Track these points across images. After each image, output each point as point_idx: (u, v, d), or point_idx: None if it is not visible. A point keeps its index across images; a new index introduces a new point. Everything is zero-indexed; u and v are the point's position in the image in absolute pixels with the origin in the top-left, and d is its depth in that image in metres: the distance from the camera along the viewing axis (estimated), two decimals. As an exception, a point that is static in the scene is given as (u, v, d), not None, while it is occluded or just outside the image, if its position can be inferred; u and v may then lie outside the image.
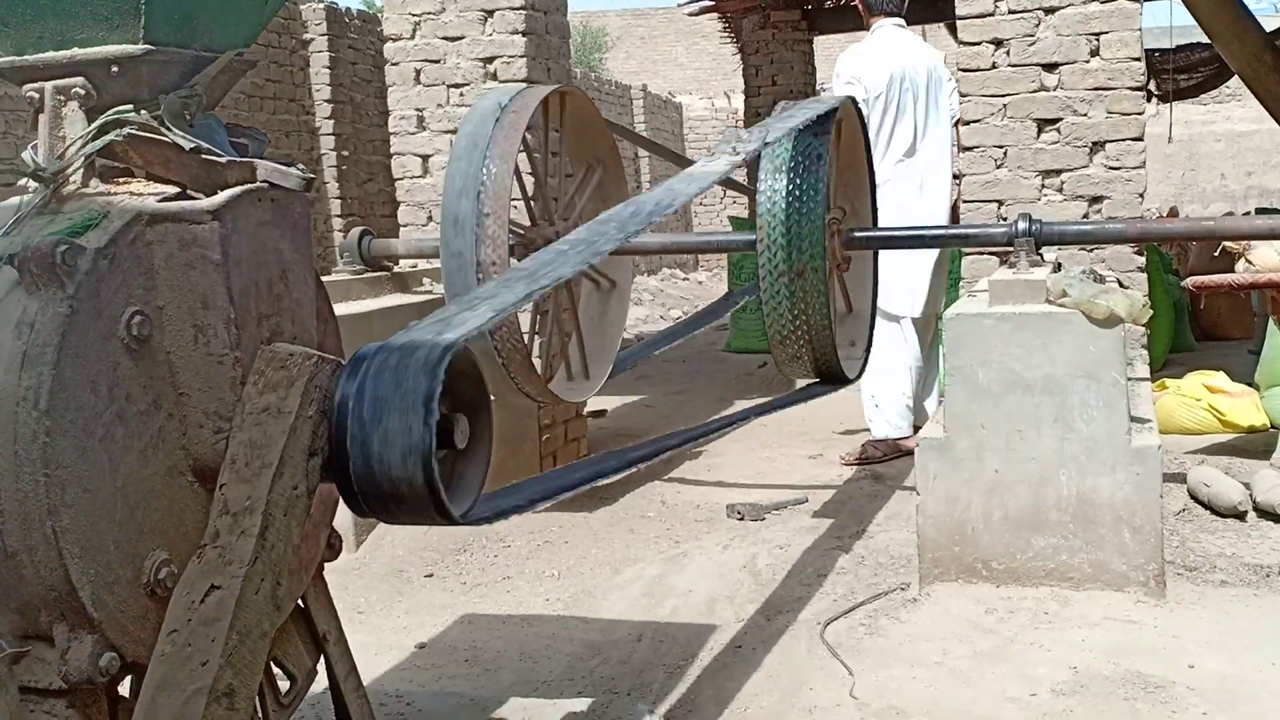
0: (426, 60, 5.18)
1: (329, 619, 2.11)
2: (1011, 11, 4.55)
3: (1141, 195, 4.52)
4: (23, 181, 1.75)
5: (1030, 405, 3.39)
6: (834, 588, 3.65)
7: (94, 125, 1.70)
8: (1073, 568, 3.40)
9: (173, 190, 1.75)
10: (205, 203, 1.70)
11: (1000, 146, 4.62)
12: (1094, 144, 4.53)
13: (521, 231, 4.31)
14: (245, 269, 1.74)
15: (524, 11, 5.07)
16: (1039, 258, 3.93)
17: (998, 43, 4.58)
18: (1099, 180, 4.53)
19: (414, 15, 5.18)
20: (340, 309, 4.29)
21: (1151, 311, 3.38)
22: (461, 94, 5.15)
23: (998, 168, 4.62)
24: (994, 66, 4.59)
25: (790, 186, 3.72)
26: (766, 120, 3.61)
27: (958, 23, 4.65)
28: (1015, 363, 3.40)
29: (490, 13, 5.10)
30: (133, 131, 1.71)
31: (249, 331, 1.74)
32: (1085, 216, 4.55)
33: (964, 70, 4.62)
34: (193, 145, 1.71)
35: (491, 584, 3.84)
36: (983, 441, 3.43)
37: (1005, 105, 4.59)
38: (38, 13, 1.69)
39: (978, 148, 4.64)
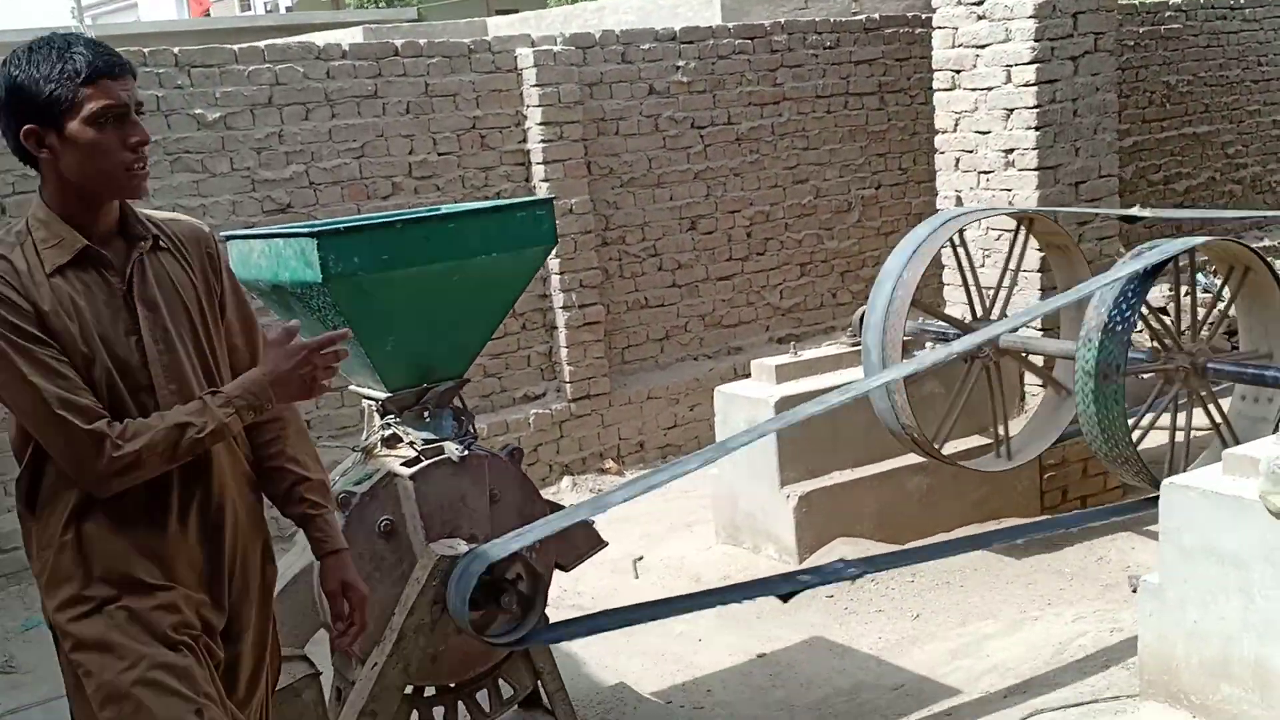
0: (963, 150, 6.20)
1: (544, 657, 3.85)
2: None
3: None
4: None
5: (1220, 572, 3.78)
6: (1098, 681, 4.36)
7: (377, 432, 3.62)
8: (1252, 719, 3.76)
9: (412, 455, 3.60)
10: (410, 471, 3.53)
11: None
12: None
13: (958, 329, 5.42)
14: (431, 500, 3.54)
15: (1035, 110, 5.85)
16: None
17: None
18: None
19: (955, 113, 6.20)
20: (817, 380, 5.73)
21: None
22: (987, 179, 6.10)
23: None
24: None
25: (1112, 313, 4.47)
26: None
27: None
28: (1211, 534, 3.80)
29: (1010, 111, 5.95)
30: (390, 433, 3.59)
31: (434, 530, 3.54)
32: None
33: None
34: (420, 447, 3.54)
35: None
36: (1185, 595, 3.89)
37: None
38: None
39: None
